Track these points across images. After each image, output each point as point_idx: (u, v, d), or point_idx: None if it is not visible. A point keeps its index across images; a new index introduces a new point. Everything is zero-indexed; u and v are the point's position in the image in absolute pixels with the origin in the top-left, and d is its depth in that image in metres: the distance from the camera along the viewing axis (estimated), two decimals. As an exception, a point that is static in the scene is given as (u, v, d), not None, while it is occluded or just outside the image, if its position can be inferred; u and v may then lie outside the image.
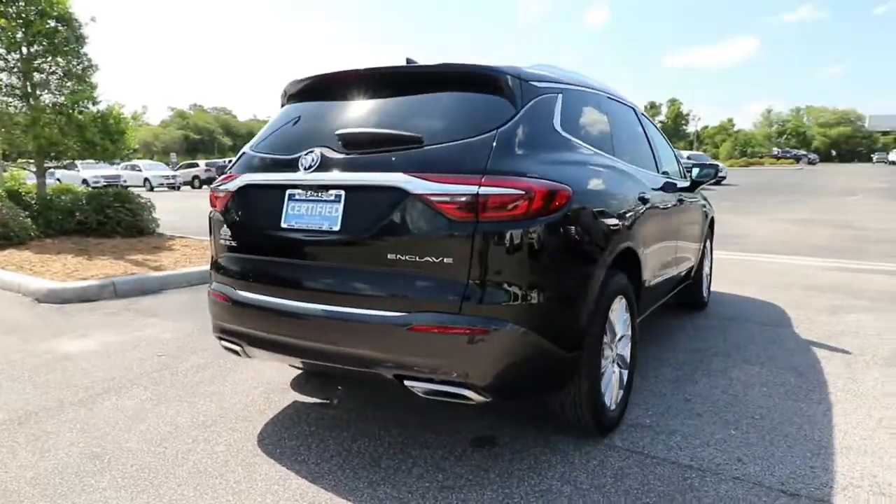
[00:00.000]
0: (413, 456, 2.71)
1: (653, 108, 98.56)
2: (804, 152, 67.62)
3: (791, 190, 25.35)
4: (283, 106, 3.10)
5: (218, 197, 2.90)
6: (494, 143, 2.31)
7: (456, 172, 2.24)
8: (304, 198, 2.55)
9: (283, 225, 2.59)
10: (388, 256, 2.32)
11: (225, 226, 2.84)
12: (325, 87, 2.92)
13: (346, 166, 2.44)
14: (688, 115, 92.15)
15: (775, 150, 71.50)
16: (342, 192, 2.44)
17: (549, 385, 2.52)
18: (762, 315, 5.33)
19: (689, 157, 30.19)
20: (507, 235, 2.22)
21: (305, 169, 2.51)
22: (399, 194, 2.29)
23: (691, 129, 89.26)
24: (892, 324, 4.94)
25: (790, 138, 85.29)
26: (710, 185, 27.56)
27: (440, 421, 3.07)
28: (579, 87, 3.13)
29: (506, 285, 2.24)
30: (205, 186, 34.55)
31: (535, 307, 2.28)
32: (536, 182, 2.27)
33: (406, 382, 2.35)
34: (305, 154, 2.54)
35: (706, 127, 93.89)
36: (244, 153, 2.96)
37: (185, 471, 2.62)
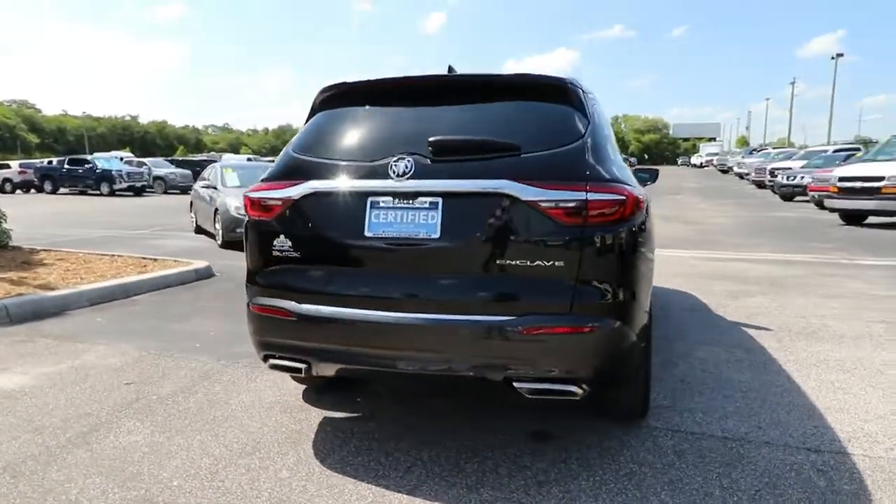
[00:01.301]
0: (489, 457, 2.77)
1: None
2: (625, 156, 75.73)
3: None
4: (322, 109, 2.96)
5: (269, 205, 2.71)
6: (586, 152, 2.46)
7: (563, 179, 2.36)
8: (391, 205, 2.49)
9: (368, 234, 2.51)
10: (497, 262, 2.37)
11: (282, 236, 2.67)
12: (390, 93, 2.86)
13: (444, 173, 2.44)
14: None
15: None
16: (439, 200, 2.43)
17: (630, 374, 2.73)
18: (681, 302, 6.02)
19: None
20: (607, 238, 2.38)
21: (399, 176, 2.46)
22: (508, 201, 2.35)
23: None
24: (783, 303, 5.86)
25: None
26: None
27: (484, 422, 3.15)
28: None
29: (605, 284, 2.40)
30: (19, 191, 29.98)
31: (626, 303, 2.47)
32: (627, 188, 2.47)
33: (515, 384, 2.41)
34: (396, 161, 2.49)
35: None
36: (293, 157, 2.80)
37: (265, 501, 2.43)
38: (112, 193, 26.91)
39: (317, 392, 3.57)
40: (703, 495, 2.45)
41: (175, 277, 7.09)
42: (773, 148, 38.89)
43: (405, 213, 2.47)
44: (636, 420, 3.13)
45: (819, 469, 2.66)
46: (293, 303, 2.63)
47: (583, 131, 2.55)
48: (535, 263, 2.35)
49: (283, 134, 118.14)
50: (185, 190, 28.87)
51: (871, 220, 12.60)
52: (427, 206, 2.45)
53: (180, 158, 38.84)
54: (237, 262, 8.46)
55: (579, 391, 2.42)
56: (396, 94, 2.83)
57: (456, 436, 2.99)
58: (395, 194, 2.48)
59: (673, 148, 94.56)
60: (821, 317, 5.32)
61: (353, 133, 2.79)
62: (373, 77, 2.86)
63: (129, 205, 21.17)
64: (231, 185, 10.83)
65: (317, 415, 3.28)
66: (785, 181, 19.98)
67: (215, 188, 10.85)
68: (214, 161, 34.19)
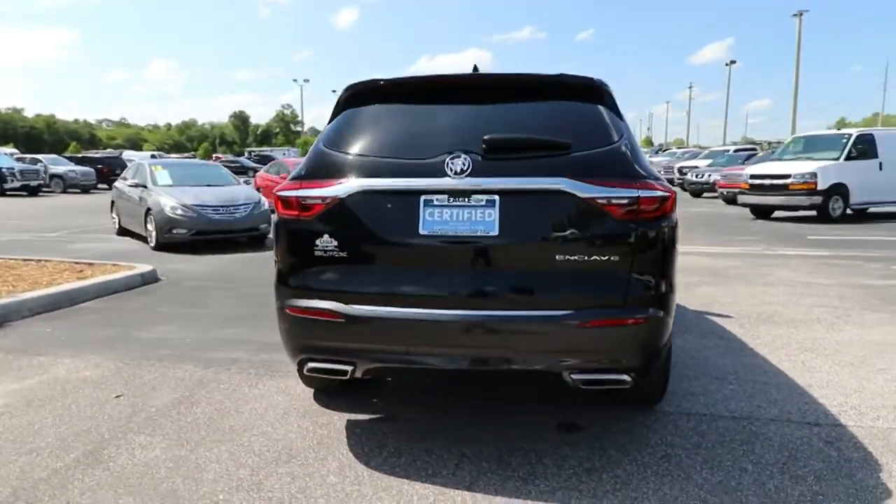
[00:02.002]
0: (530, 450, 2.83)
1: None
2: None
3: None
4: (350, 105, 2.89)
5: (310, 204, 2.62)
6: (629, 151, 2.57)
7: (616, 177, 2.45)
8: (445, 203, 2.49)
9: (423, 232, 2.49)
10: (555, 258, 2.43)
11: (326, 235, 2.59)
12: (426, 92, 2.84)
13: (499, 171, 2.46)
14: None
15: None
16: (496, 197, 2.46)
17: (666, 360, 2.86)
18: (641, 294, 6.33)
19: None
20: (654, 233, 2.51)
21: (456, 174, 2.46)
22: (566, 198, 2.42)
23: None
24: (732, 292, 6.31)
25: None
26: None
27: (507, 417, 3.22)
28: None
29: (652, 276, 2.53)
30: None
31: (667, 294, 2.61)
32: (667, 185, 2.60)
33: (572, 376, 2.48)
34: (451, 159, 2.49)
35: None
36: (331, 154, 2.72)
37: (324, 508, 2.37)
38: (2, 193, 24.59)
39: (328, 396, 3.49)
40: (739, 471, 2.63)
41: (121, 283, 6.64)
42: (677, 147, 41.42)
43: (461, 210, 2.48)
44: (651, 405, 3.29)
45: (827, 441, 2.92)
46: (340, 304, 2.57)
47: (622, 131, 2.66)
48: (592, 258, 2.43)
49: (188, 129, 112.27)
50: (86, 189, 26.88)
51: (778, 213, 13.75)
52: (483, 203, 2.47)
53: (80, 155, 36.04)
54: (180, 265, 8.04)
55: (629, 380, 2.53)
56: (432, 93, 2.83)
57: (487, 431, 3.03)
58: (450, 192, 2.48)
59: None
60: (768, 304, 5.77)
61: (397, 131, 2.76)
62: (405, 75, 2.84)
63: (28, 206, 19.45)
64: (163, 184, 10.24)
65: (339, 419, 3.20)
66: (694, 179, 21.36)
67: (145, 187, 10.22)
68: (115, 157, 32.06)
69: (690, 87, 71.88)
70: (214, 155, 57.00)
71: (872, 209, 13.86)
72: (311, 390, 3.58)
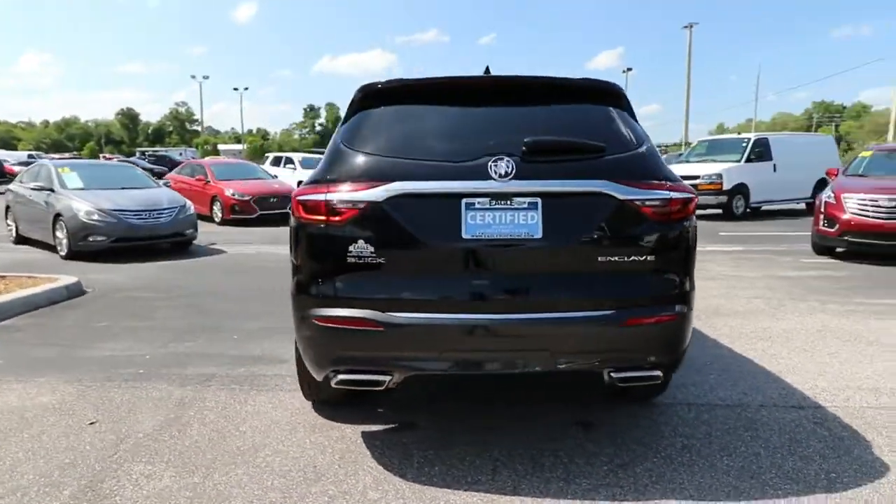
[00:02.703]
0: (558, 449, 2.87)
1: (311, 111, 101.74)
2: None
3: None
4: (370, 106, 2.79)
5: (341, 208, 2.50)
6: (653, 153, 2.67)
7: (649, 179, 2.53)
8: (487, 206, 2.46)
9: (466, 236, 2.45)
10: (597, 258, 2.47)
11: (361, 241, 2.48)
12: (452, 93, 2.78)
13: (541, 173, 2.47)
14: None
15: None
16: (538, 200, 2.46)
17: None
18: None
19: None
20: (681, 232, 2.61)
21: (501, 177, 2.44)
22: (605, 200, 2.47)
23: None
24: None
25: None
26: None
27: (524, 419, 3.23)
28: None
29: (680, 275, 2.64)
30: None
31: (691, 291, 2.72)
32: (691, 188, 2.71)
33: (612, 374, 2.54)
34: (494, 161, 2.46)
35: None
36: (360, 156, 2.61)
37: (378, 526, 2.28)
38: None
39: (330, 408, 3.34)
40: (753, 455, 2.80)
41: (43, 297, 6.02)
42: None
43: (503, 213, 2.46)
44: (650, 399, 3.42)
45: (815, 422, 3.17)
46: (378, 312, 2.47)
47: (643, 134, 2.75)
48: (631, 258, 2.50)
49: (69, 127, 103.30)
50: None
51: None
52: (526, 206, 2.46)
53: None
54: (102, 276, 7.43)
55: (661, 375, 2.62)
56: (459, 94, 2.79)
57: (507, 434, 3.03)
58: (492, 195, 2.46)
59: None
60: (713, 297, 6.18)
61: (431, 132, 2.69)
62: (428, 76, 2.78)
63: None
64: (74, 187, 9.39)
65: (352, 431, 3.08)
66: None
67: (51, 191, 9.32)
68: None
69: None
70: (102, 155, 52.89)
71: (766, 207, 15.20)
72: (309, 404, 3.42)
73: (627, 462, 2.75)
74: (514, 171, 2.45)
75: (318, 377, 2.71)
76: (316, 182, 2.64)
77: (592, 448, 2.88)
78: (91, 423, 3.20)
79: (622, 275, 2.52)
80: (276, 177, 16.22)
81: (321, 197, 2.54)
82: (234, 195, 13.46)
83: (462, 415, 3.29)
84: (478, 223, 2.46)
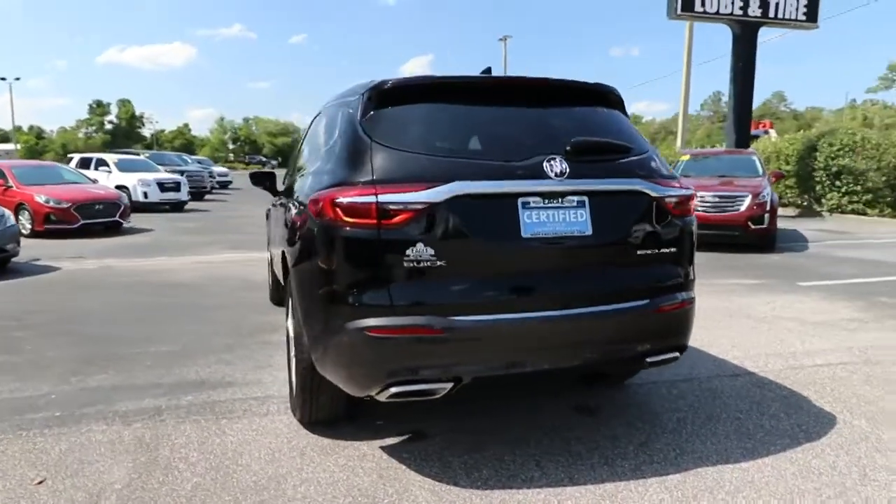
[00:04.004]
0: (579, 438, 2.99)
1: (100, 106, 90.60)
2: (266, 158, 75.40)
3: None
4: (397, 101, 2.66)
5: (395, 210, 2.35)
6: (658, 154, 2.92)
7: (667, 177, 2.76)
8: (541, 205, 2.49)
9: (525, 235, 2.45)
10: (637, 252, 2.64)
11: (420, 244, 2.35)
12: (488, 91, 2.77)
13: (586, 173, 2.56)
14: (142, 116, 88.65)
15: (247, 157, 77.12)
16: (585, 198, 2.55)
17: None
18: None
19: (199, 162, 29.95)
20: (691, 225, 2.89)
21: (557, 176, 2.48)
22: (642, 197, 2.65)
23: (147, 132, 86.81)
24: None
25: (244, 145, 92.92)
26: (218, 188, 28.17)
27: (526, 413, 3.31)
28: None
29: (689, 262, 2.91)
30: None
31: (694, 277, 3.00)
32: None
33: (649, 359, 2.72)
34: (548, 161, 2.49)
35: (163, 131, 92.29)
36: (400, 155, 2.47)
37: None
38: None
39: (326, 428, 3.09)
40: (735, 419, 3.20)
41: None
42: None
43: (556, 212, 2.51)
44: (624, 382, 3.71)
45: (759, 386, 3.69)
46: (438, 317, 2.37)
47: (643, 137, 2.98)
48: (660, 251, 2.71)
49: None
50: None
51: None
52: (575, 204, 2.54)
53: None
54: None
55: (679, 356, 2.87)
56: (489, 94, 2.78)
57: (521, 430, 3.07)
58: (544, 194, 2.49)
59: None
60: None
61: (477, 131, 2.63)
62: (455, 74, 2.75)
63: None
64: None
65: (368, 448, 2.90)
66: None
67: None
68: None
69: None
70: None
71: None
72: (297, 426, 3.14)
73: (645, 440, 2.96)
74: (567, 171, 2.51)
75: (364, 393, 2.52)
76: (346, 184, 2.45)
77: (607, 431, 3.05)
78: (39, 483, 2.60)
79: (654, 266, 2.72)
80: (96, 181, 14.24)
81: (370, 199, 2.36)
82: (48, 203, 11.54)
83: (468, 415, 3.25)
84: (534, 222, 2.48)
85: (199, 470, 2.70)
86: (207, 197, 23.22)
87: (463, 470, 2.67)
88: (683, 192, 2.79)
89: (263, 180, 5.16)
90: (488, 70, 3.08)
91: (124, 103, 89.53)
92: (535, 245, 2.49)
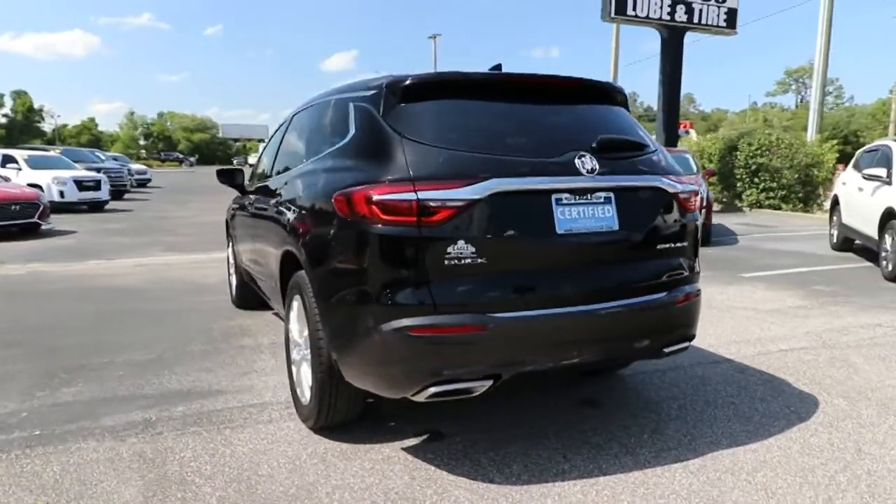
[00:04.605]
0: (596, 430, 3.06)
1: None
2: (183, 155, 71.83)
3: (223, 191, 27.31)
4: (423, 97, 2.63)
5: (435, 207, 2.31)
6: (665, 151, 3.03)
7: (675, 174, 2.88)
8: (573, 202, 2.53)
9: (559, 231, 2.48)
10: (657, 246, 2.74)
11: (461, 242, 2.33)
12: (511, 88, 2.77)
13: (615, 169, 2.62)
14: (41, 110, 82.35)
15: (162, 154, 73.03)
16: (612, 194, 2.61)
17: None
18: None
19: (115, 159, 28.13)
20: (696, 219, 3.02)
21: (588, 172, 2.52)
22: (660, 193, 2.74)
23: (48, 126, 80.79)
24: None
25: (157, 141, 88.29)
26: (136, 187, 26.75)
27: (538, 409, 3.36)
28: None
29: (696, 255, 3.04)
30: None
31: (699, 270, 3.14)
32: None
33: (666, 349, 2.83)
34: (580, 158, 2.53)
35: (65, 125, 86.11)
36: (436, 151, 2.44)
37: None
38: None
39: (339, 432, 3.01)
40: (730, 404, 3.38)
41: None
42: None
43: (585, 208, 2.56)
44: (615, 371, 3.83)
45: (740, 372, 3.92)
46: (480, 314, 2.37)
47: (649, 134, 3.09)
48: (676, 245, 2.82)
49: None
50: None
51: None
52: (602, 200, 2.60)
53: None
54: None
55: (689, 345, 3.00)
56: (512, 91, 2.78)
57: (534, 425, 3.11)
58: (576, 190, 2.53)
59: (224, 148, 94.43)
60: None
61: (506, 128, 2.63)
62: (485, 71, 2.77)
63: None
64: None
65: (391, 451, 2.85)
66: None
67: None
68: None
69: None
70: None
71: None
72: (307, 431, 3.04)
73: (655, 428, 3.08)
74: (597, 168, 2.57)
75: (401, 394, 2.48)
76: (378, 181, 2.40)
77: (618, 421, 3.15)
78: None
79: (670, 259, 2.83)
80: (8, 179, 13.12)
81: (409, 196, 2.32)
82: (-43, 203, 10.54)
83: (473, 416, 3.24)
84: (567, 218, 2.52)
85: (219, 483, 2.56)
86: (126, 196, 21.92)
87: (494, 467, 2.68)
88: (693, 188, 2.92)
89: (233, 178, 4.96)
90: (498, 66, 3.08)
91: (20, 95, 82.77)
92: (568, 240, 2.53)
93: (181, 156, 69.95)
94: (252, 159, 72.63)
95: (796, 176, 14.87)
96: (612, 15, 14.26)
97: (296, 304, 3.15)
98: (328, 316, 2.68)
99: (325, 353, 2.73)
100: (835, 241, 9.20)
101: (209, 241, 10.66)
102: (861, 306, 5.74)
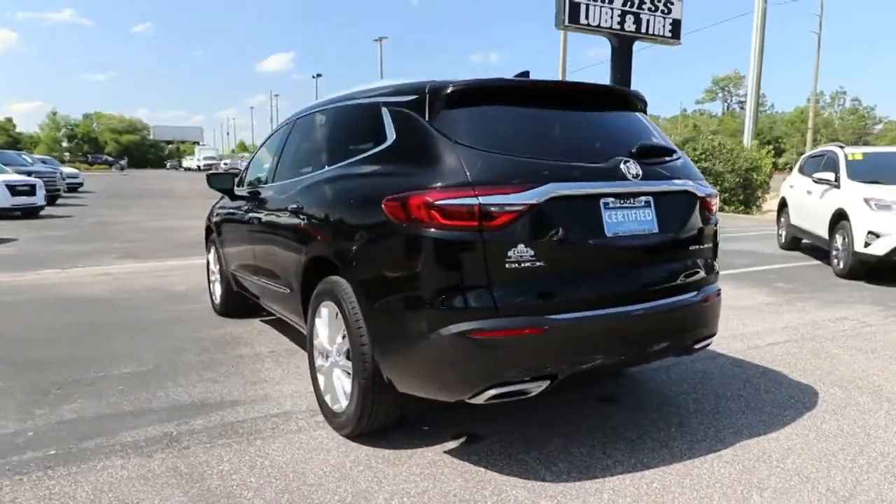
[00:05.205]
0: (627, 423, 3.17)
1: None
2: (113, 158, 68.35)
3: (163, 195, 26.37)
4: (476, 104, 2.68)
5: (496, 212, 2.35)
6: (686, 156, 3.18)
7: (699, 179, 3.02)
8: (618, 205, 2.62)
9: (608, 234, 2.56)
10: (690, 247, 2.87)
11: (521, 245, 2.38)
12: (552, 95, 2.84)
13: (652, 174, 2.73)
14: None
15: (90, 157, 69.21)
16: (651, 198, 2.72)
17: None
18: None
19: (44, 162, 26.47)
20: (717, 223, 3.17)
21: (633, 177, 2.61)
22: (690, 197, 2.88)
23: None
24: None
25: (83, 143, 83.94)
26: (68, 191, 25.35)
27: (562, 407, 3.43)
28: None
29: (716, 257, 3.19)
30: None
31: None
32: None
33: (695, 346, 2.96)
34: (625, 163, 2.62)
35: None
36: (492, 155, 2.48)
37: (594, 528, 2.28)
38: None
39: (376, 438, 2.99)
40: (739, 396, 3.57)
41: None
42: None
43: (629, 211, 2.66)
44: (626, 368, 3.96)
45: (737, 366, 4.13)
46: (539, 316, 2.42)
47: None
48: (702, 246, 2.97)
49: None
50: None
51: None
52: (643, 204, 2.70)
53: None
54: None
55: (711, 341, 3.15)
56: (553, 97, 2.87)
57: (565, 423, 3.18)
58: (620, 195, 2.63)
59: (156, 151, 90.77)
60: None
61: (553, 134, 2.71)
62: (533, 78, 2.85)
63: None
64: None
65: (433, 455, 2.86)
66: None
67: None
68: None
69: (277, 96, 75.24)
70: None
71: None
72: (341, 439, 3.01)
73: (680, 422, 3.21)
74: (641, 173, 2.67)
75: (460, 398, 2.50)
76: (433, 186, 2.42)
77: (643, 416, 3.26)
78: (89, 530, 2.27)
79: (699, 260, 2.98)
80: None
81: (471, 201, 2.35)
82: None
83: (502, 416, 3.27)
84: (614, 221, 2.61)
85: (269, 495, 2.50)
86: (59, 202, 20.74)
87: (541, 466, 2.73)
88: (713, 190, 3.08)
89: (226, 182, 4.86)
90: (526, 74, 3.15)
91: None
92: (616, 243, 2.62)
93: (111, 158, 66.61)
94: (187, 163, 70.33)
95: (738, 180, 15.70)
96: (566, 23, 14.65)
97: (325, 310, 3.10)
98: (376, 321, 2.66)
99: (368, 360, 2.71)
100: (783, 240, 9.78)
101: (164, 247, 10.30)
102: (823, 302, 6.14)
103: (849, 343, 4.66)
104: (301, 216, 3.34)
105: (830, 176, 7.89)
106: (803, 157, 9.94)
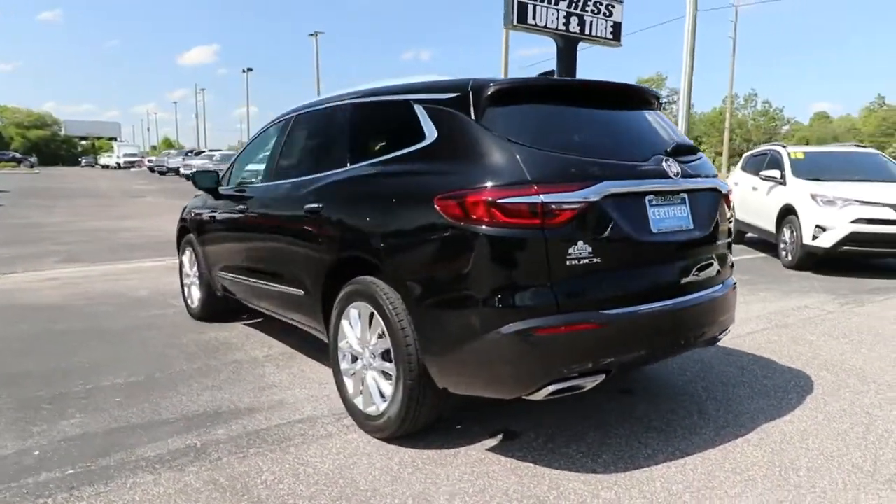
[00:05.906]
0: (651, 414, 3.28)
1: None
2: (22, 154, 63.42)
3: (85, 194, 24.80)
4: (524, 101, 2.70)
5: (557, 210, 2.38)
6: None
7: (716, 175, 3.17)
8: (660, 203, 2.71)
9: (654, 230, 2.64)
10: (717, 242, 3.01)
11: (580, 242, 2.42)
12: (588, 94, 2.89)
13: (687, 173, 2.84)
14: None
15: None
16: (685, 195, 2.83)
17: None
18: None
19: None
20: (733, 219, 3.34)
21: (675, 175, 2.71)
22: (716, 194, 3.02)
23: None
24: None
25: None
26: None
27: (577, 398, 3.49)
28: None
29: (731, 251, 3.35)
30: None
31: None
32: None
33: (719, 336, 3.10)
34: (666, 162, 2.71)
35: None
36: (548, 154, 2.51)
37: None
38: None
39: (414, 439, 2.96)
40: (743, 383, 3.76)
41: None
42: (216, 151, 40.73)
43: (668, 208, 2.75)
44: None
45: (728, 354, 4.35)
46: (597, 311, 2.47)
47: None
48: (726, 240, 3.13)
49: None
50: None
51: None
52: (679, 201, 2.80)
53: None
54: None
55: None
56: (593, 97, 2.92)
57: (595, 415, 3.26)
58: (661, 192, 2.72)
59: (69, 147, 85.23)
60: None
61: (603, 132, 2.78)
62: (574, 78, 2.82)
63: None
64: None
65: (477, 453, 2.86)
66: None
67: None
68: None
69: (203, 90, 71.85)
70: None
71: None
72: (377, 442, 2.96)
73: (698, 409, 3.35)
74: (680, 172, 2.77)
75: (518, 395, 2.51)
76: (484, 185, 2.43)
77: (663, 406, 3.39)
78: (145, 552, 2.13)
79: (724, 253, 3.13)
80: None
81: (534, 199, 2.36)
82: None
83: (528, 412, 3.29)
84: (658, 218, 2.70)
85: (326, 503, 2.43)
86: (-32, 203, 19.14)
87: (587, 458, 2.78)
88: (730, 188, 3.23)
89: (213, 181, 4.68)
90: (550, 73, 3.20)
91: None
92: (660, 238, 2.71)
93: (18, 155, 61.85)
94: (104, 160, 66.35)
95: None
96: (515, 23, 14.81)
97: (354, 311, 3.04)
98: (425, 321, 2.63)
99: (414, 360, 2.68)
100: (728, 235, 10.33)
101: (107, 249, 9.75)
102: (782, 292, 6.56)
103: (818, 329, 5.00)
104: (322, 216, 3.24)
105: (776, 173, 8.41)
106: (745, 155, 10.55)
